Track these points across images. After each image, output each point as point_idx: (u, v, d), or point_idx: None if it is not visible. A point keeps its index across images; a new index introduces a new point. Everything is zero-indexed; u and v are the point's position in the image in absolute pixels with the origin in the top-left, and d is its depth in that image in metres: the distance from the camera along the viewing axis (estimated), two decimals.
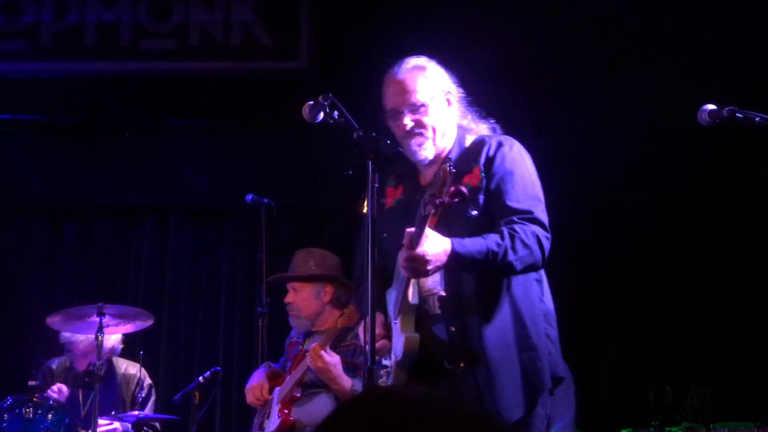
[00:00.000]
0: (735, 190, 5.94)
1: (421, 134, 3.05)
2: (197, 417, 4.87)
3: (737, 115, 2.91)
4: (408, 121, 3.04)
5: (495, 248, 2.80)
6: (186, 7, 6.23)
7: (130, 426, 4.94)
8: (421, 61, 3.11)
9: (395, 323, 3.00)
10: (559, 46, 5.91)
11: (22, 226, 6.59)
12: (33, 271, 6.44)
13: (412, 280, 2.91)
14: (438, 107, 3.07)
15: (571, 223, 5.49)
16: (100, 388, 4.77)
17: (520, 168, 3.00)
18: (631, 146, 5.90)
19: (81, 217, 6.60)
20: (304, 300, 4.40)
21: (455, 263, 2.79)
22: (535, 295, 3.00)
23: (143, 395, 5.27)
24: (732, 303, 5.98)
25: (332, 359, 3.98)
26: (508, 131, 3.16)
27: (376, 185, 2.90)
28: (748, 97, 3.21)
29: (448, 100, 3.11)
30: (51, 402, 4.71)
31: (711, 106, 2.98)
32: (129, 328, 5.03)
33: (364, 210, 2.94)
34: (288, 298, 4.45)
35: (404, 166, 3.18)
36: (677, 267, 6.10)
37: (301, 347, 4.40)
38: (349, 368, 4.06)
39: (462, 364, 2.91)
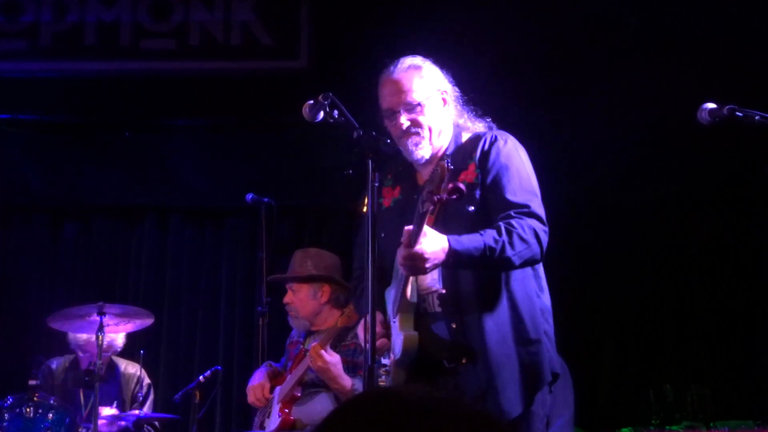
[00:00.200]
0: (735, 190, 5.94)
1: (417, 134, 3.05)
2: (197, 416, 4.87)
3: (737, 113, 2.91)
4: (404, 121, 3.04)
5: (492, 244, 2.80)
6: (186, 7, 6.23)
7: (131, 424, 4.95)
8: (417, 60, 3.11)
9: (394, 322, 3.01)
10: (558, 46, 5.91)
11: (22, 225, 6.59)
12: (33, 271, 6.44)
13: (411, 278, 2.91)
14: (434, 106, 3.07)
15: (571, 223, 5.50)
16: (103, 386, 4.78)
17: (516, 162, 3.00)
18: (631, 146, 5.90)
19: (81, 217, 6.61)
20: (302, 300, 4.40)
21: (453, 260, 2.79)
22: (532, 290, 3.00)
23: (143, 394, 5.28)
24: (732, 303, 5.98)
25: (332, 359, 3.99)
26: (507, 131, 3.16)
27: (376, 184, 2.90)
28: (748, 96, 3.20)
29: (444, 100, 3.11)
30: (51, 401, 4.71)
31: (711, 105, 2.97)
32: (129, 327, 5.04)
33: (364, 209, 2.94)
34: (286, 299, 4.46)
35: (401, 166, 3.18)
36: (677, 267, 6.10)
37: (301, 347, 4.41)
38: (350, 367, 4.06)
39: (464, 361, 2.91)
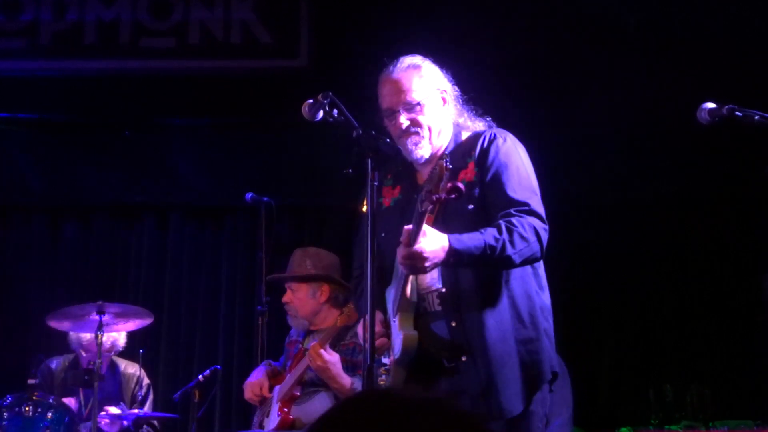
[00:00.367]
0: (735, 190, 5.94)
1: (417, 133, 3.04)
2: (197, 415, 4.87)
3: (736, 113, 2.90)
4: (404, 120, 3.03)
5: (493, 243, 2.79)
6: (186, 6, 6.22)
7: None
8: (416, 60, 3.10)
9: (394, 321, 3.00)
10: (558, 46, 5.91)
11: (21, 225, 6.59)
12: (33, 270, 6.44)
13: (410, 277, 2.91)
14: (433, 106, 3.07)
15: (571, 222, 5.50)
16: (104, 386, 4.77)
17: (515, 160, 3.00)
18: (631, 146, 5.91)
19: (81, 216, 6.61)
20: (301, 300, 4.40)
21: (454, 259, 2.79)
22: (532, 288, 3.00)
23: (142, 394, 5.29)
24: (732, 302, 5.99)
25: (332, 358, 3.99)
26: (507, 130, 3.15)
27: (376, 184, 2.90)
28: (747, 96, 3.20)
29: (443, 99, 3.11)
30: (50, 400, 4.71)
31: (710, 105, 2.97)
32: (129, 326, 5.04)
33: (364, 209, 2.94)
34: (285, 298, 4.46)
35: (401, 166, 3.17)
36: (677, 267, 6.11)
37: (301, 346, 4.41)
38: (349, 367, 4.06)
39: (463, 359, 2.91)
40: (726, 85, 5.28)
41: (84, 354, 5.20)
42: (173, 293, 6.46)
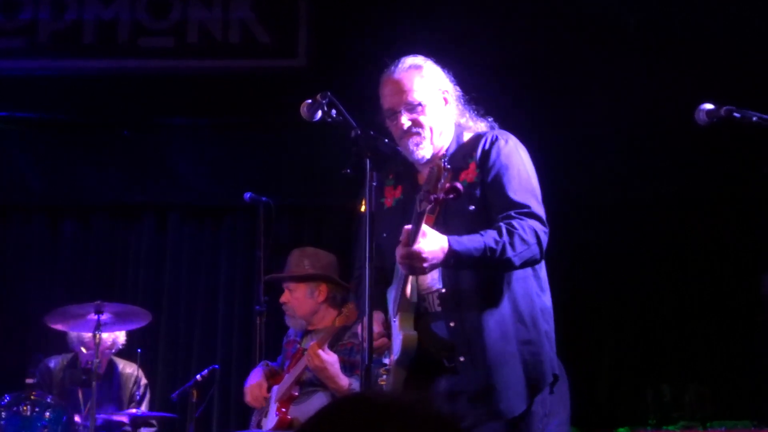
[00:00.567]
0: (735, 190, 5.94)
1: (418, 133, 3.04)
2: (195, 415, 4.87)
3: (734, 114, 2.90)
4: (405, 121, 3.03)
5: (493, 245, 2.79)
6: (184, 5, 6.22)
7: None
8: (418, 60, 3.10)
9: (394, 321, 3.00)
10: (558, 46, 5.91)
11: (21, 224, 6.59)
12: (32, 270, 6.44)
13: (410, 278, 2.90)
14: (435, 106, 3.06)
15: (571, 223, 5.49)
16: (103, 386, 4.77)
17: (516, 162, 2.99)
18: (630, 146, 5.90)
19: (80, 216, 6.61)
20: (299, 300, 4.40)
21: (454, 261, 2.78)
22: (533, 290, 2.99)
23: (140, 394, 5.29)
24: (731, 303, 5.98)
25: (330, 358, 3.98)
26: (507, 130, 3.15)
27: (375, 184, 2.89)
28: (747, 96, 3.20)
29: (445, 99, 3.10)
30: (49, 400, 4.71)
31: (708, 106, 2.97)
32: (127, 326, 5.04)
33: (362, 209, 2.93)
34: (283, 298, 4.45)
35: (402, 166, 3.17)
36: (677, 266, 6.10)
37: (299, 346, 4.40)
38: (347, 367, 4.06)
39: (462, 359, 2.90)
40: (726, 86, 5.28)
41: (84, 352, 5.19)
42: (172, 293, 6.46)
